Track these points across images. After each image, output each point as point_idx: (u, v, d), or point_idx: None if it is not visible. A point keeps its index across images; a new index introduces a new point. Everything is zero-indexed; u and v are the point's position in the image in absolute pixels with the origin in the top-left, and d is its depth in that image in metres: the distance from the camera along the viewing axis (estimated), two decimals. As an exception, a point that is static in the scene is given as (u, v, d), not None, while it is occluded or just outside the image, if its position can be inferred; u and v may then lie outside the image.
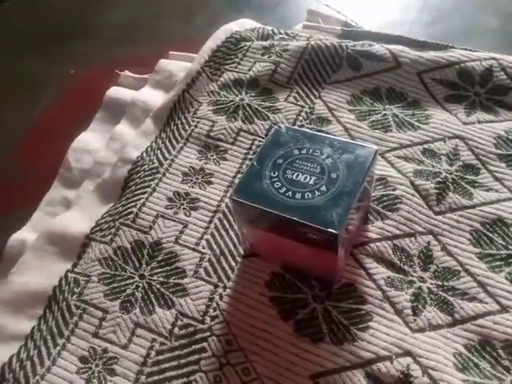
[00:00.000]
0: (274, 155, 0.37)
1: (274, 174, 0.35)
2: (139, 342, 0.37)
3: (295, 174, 0.35)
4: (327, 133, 0.46)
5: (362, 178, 0.34)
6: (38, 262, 0.41)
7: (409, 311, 0.37)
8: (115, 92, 0.54)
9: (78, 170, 0.49)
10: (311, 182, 0.35)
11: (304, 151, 0.36)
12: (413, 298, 0.37)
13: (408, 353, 0.35)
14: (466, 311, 0.36)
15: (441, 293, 0.37)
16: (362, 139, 0.46)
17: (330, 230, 0.32)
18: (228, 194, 0.44)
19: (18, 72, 0.60)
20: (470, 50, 0.50)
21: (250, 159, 0.46)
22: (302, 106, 0.49)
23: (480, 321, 0.36)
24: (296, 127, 0.39)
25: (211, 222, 0.43)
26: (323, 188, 0.34)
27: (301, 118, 0.48)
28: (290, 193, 0.34)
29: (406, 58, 0.50)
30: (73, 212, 0.45)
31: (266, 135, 0.47)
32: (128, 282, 0.40)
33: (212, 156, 0.47)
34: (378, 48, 0.51)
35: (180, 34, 0.63)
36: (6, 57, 0.63)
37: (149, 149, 0.48)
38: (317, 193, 0.34)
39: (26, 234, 0.44)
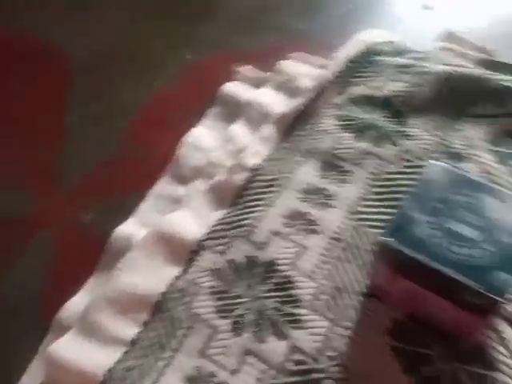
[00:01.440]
0: (431, 198, 0.33)
1: (431, 220, 0.32)
2: (249, 371, 0.34)
3: (456, 224, 0.32)
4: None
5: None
6: (145, 262, 0.39)
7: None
8: (232, 88, 0.52)
9: (188, 167, 0.46)
10: (476, 237, 0.31)
11: (466, 199, 0.33)
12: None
13: None
14: None
15: None
16: (499, 184, 0.42)
17: (493, 296, 0.29)
18: (349, 222, 0.41)
19: (140, 45, 0.58)
20: None
21: (376, 186, 0.43)
22: (437, 137, 0.45)
23: None
24: (454, 168, 0.35)
25: (331, 250, 0.39)
26: (490, 246, 0.31)
27: (434, 149, 0.44)
28: (450, 245, 0.31)
29: (559, 101, 0.45)
30: (183, 212, 0.42)
31: (395, 162, 0.44)
32: (240, 300, 0.37)
33: (334, 176, 0.44)
34: (528, 86, 0.46)
35: (299, 31, 0.59)
36: (129, 28, 0.61)
37: (268, 158, 0.45)
38: (482, 251, 0.31)
39: (131, 228, 0.42)
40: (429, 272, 0.31)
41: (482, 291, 0.29)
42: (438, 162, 0.35)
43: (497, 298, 0.29)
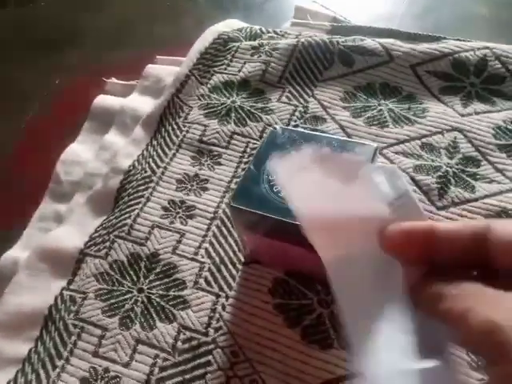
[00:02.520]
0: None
1: (273, 177, 0.34)
2: (141, 359, 0.36)
3: (294, 177, 0.34)
4: (323, 132, 0.45)
5: (364, 178, 0.33)
6: (31, 280, 0.40)
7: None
8: (102, 100, 0.53)
9: (68, 182, 0.47)
10: (311, 184, 0.34)
11: (302, 152, 0.35)
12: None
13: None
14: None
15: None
16: (358, 136, 0.45)
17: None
18: (225, 200, 0.43)
19: (4, 82, 0.59)
20: (463, 40, 0.49)
21: (246, 163, 0.45)
22: (296, 106, 0.48)
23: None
24: (292, 128, 0.38)
25: (209, 230, 0.41)
26: (324, 189, 0.33)
27: (295, 117, 0.47)
28: (290, 196, 0.33)
29: (398, 51, 0.49)
30: (65, 227, 0.43)
31: (261, 137, 0.46)
32: (126, 296, 0.38)
33: (206, 161, 0.46)
34: (370, 42, 0.50)
35: (167, 37, 0.61)
36: None
37: (140, 157, 0.46)
38: (318, 195, 0.33)
39: (18, 253, 0.43)
40: (278, 225, 0.33)
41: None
42: (278, 126, 0.37)
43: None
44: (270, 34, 0.53)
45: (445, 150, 0.44)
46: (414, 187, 0.41)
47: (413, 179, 0.42)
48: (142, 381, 0.35)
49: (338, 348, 0.35)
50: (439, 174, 0.42)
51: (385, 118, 0.46)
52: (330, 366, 0.34)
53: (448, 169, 0.42)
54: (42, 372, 0.36)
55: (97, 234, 0.42)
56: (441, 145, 0.44)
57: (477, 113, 0.46)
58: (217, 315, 0.37)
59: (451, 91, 0.47)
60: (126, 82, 0.55)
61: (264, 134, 0.46)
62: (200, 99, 0.49)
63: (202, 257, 0.40)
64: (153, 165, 0.46)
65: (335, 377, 0.34)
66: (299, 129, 0.38)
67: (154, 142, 0.47)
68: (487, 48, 0.48)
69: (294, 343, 0.35)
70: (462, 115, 0.46)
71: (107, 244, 0.41)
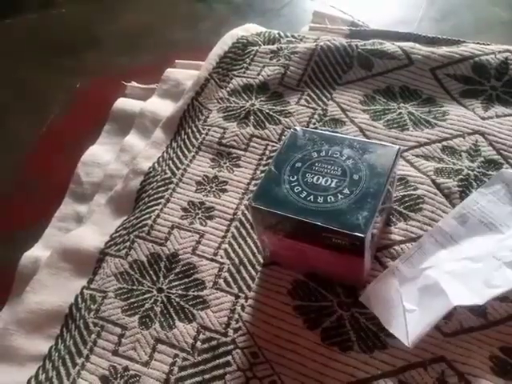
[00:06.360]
0: (292, 159, 0.36)
1: (294, 178, 0.34)
2: (161, 359, 0.36)
3: (315, 178, 0.34)
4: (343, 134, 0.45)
5: (386, 179, 0.33)
6: (52, 279, 0.40)
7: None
8: (122, 103, 0.53)
9: (88, 183, 0.48)
10: (333, 185, 0.33)
11: (323, 153, 0.35)
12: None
13: (441, 358, 0.33)
14: (499, 312, 0.35)
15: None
16: (378, 139, 0.45)
17: (356, 233, 0.31)
18: (244, 201, 0.43)
19: (28, 84, 0.60)
20: (483, 44, 0.49)
21: (264, 165, 0.45)
22: (315, 109, 0.48)
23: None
24: (313, 129, 0.38)
25: (228, 231, 0.41)
26: (346, 190, 0.33)
27: (314, 120, 0.47)
28: (312, 197, 0.33)
29: (418, 54, 0.49)
30: (86, 227, 0.44)
31: (279, 140, 0.46)
32: (146, 296, 0.39)
33: (225, 163, 0.46)
34: (389, 46, 0.50)
35: (185, 41, 0.62)
36: (16, 68, 0.63)
37: (160, 159, 0.47)
38: (340, 196, 0.33)
39: (38, 252, 0.43)
40: (298, 226, 0.33)
41: (346, 232, 0.31)
42: (299, 128, 0.38)
43: (359, 235, 0.31)
44: (288, 39, 0.54)
45: (466, 153, 0.43)
46: (435, 190, 0.41)
47: (434, 182, 0.41)
48: (162, 380, 0.35)
49: (358, 351, 0.34)
50: (460, 177, 0.42)
51: (405, 121, 0.46)
52: (349, 368, 0.34)
53: (469, 172, 0.42)
54: (62, 369, 0.36)
55: (117, 234, 0.42)
56: (462, 148, 0.44)
57: (498, 116, 0.45)
58: (236, 316, 0.37)
59: (472, 94, 0.47)
60: (145, 86, 0.56)
61: (283, 137, 0.46)
62: (219, 102, 0.50)
63: (222, 257, 0.40)
64: (173, 166, 0.46)
65: (355, 379, 0.33)
66: (320, 130, 0.37)
67: (174, 145, 0.48)
68: (508, 51, 0.48)
69: (313, 345, 0.35)
70: (483, 118, 0.45)
71: (127, 244, 0.41)
